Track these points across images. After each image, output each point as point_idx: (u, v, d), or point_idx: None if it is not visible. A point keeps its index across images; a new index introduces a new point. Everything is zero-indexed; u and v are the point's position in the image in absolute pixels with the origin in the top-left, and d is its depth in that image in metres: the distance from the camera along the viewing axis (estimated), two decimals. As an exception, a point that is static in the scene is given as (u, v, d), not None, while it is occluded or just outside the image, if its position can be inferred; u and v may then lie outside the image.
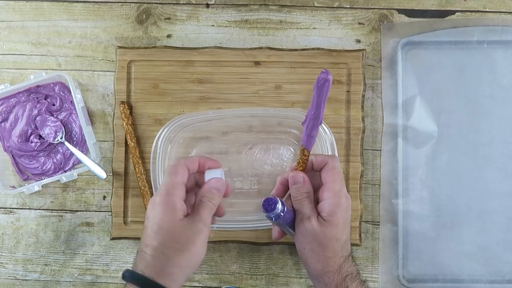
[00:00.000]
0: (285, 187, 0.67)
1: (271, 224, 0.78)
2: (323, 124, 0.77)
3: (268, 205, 0.61)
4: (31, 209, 0.84)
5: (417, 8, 0.83)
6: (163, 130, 0.78)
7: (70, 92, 0.82)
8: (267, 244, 0.81)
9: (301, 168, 0.65)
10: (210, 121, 0.80)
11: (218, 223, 0.78)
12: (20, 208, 0.84)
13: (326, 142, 0.77)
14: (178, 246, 0.59)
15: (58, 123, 0.82)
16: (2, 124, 0.83)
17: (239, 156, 0.81)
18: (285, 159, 0.81)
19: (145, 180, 0.80)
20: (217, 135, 0.81)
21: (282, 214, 0.61)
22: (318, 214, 0.63)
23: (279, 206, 0.61)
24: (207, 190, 0.63)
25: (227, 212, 0.80)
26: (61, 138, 0.82)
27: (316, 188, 0.66)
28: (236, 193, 0.81)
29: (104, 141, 0.84)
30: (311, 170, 0.66)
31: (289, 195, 0.66)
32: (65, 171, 0.83)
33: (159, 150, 0.78)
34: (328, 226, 0.62)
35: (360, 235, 0.80)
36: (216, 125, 0.81)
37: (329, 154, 0.76)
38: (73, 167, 0.84)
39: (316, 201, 0.65)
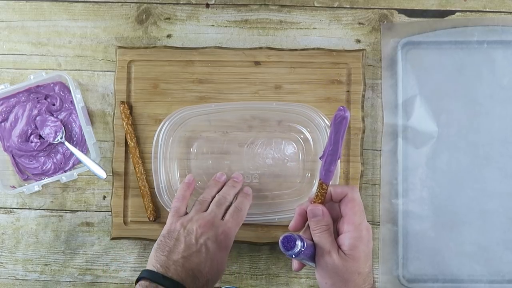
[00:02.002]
0: (304, 218, 0.65)
1: (271, 219, 0.78)
2: (326, 120, 0.78)
3: (288, 243, 0.60)
4: (31, 209, 0.84)
5: (417, 8, 0.83)
6: (164, 123, 0.79)
7: (70, 92, 0.82)
8: (267, 244, 0.81)
9: (320, 200, 0.64)
10: (210, 120, 0.80)
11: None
12: (20, 208, 0.84)
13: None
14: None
15: (58, 123, 0.82)
16: (2, 124, 0.83)
17: (241, 150, 0.81)
18: (286, 153, 0.81)
19: (145, 180, 0.80)
20: (218, 135, 0.81)
21: (302, 250, 0.60)
22: (339, 247, 0.62)
23: (299, 243, 0.59)
24: None
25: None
26: (61, 138, 0.82)
27: (336, 218, 0.65)
28: None
29: (104, 141, 0.84)
30: (330, 201, 0.65)
31: (308, 225, 0.65)
32: (65, 171, 0.83)
33: (160, 144, 0.79)
34: (350, 261, 0.61)
35: (360, 235, 0.80)
36: (217, 124, 0.81)
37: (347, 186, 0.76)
38: (73, 167, 0.84)
39: (336, 233, 0.64)
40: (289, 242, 0.59)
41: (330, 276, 0.62)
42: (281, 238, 0.60)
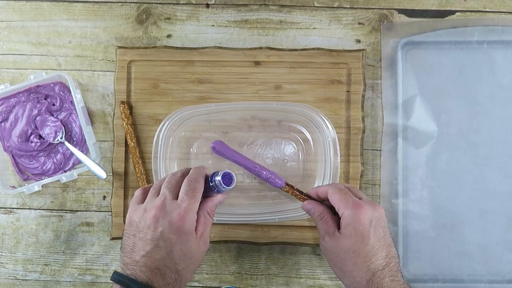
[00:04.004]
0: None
1: (271, 219, 0.79)
2: (326, 120, 0.78)
3: (229, 179, 0.65)
4: (31, 209, 0.84)
5: (417, 8, 0.83)
6: (164, 123, 0.79)
7: (70, 92, 0.82)
8: (267, 244, 0.81)
9: (302, 199, 0.72)
10: (210, 120, 0.80)
11: (219, 218, 0.79)
12: (20, 208, 0.84)
13: (328, 137, 0.78)
14: (193, 267, 0.65)
15: (58, 123, 0.82)
16: (2, 124, 0.83)
17: (241, 150, 0.80)
18: (286, 153, 0.81)
19: (145, 180, 0.80)
20: (218, 135, 0.81)
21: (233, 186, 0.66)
22: (339, 231, 0.66)
23: (235, 179, 0.66)
24: (214, 206, 0.68)
25: (227, 206, 0.80)
26: (61, 138, 0.82)
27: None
28: (237, 186, 0.81)
29: (104, 141, 0.84)
30: (321, 199, 0.70)
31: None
32: (65, 171, 0.83)
33: (160, 144, 0.79)
34: (342, 239, 0.64)
35: (360, 235, 0.80)
36: (217, 124, 0.81)
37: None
38: (73, 167, 0.84)
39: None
40: (230, 179, 0.65)
41: (330, 258, 0.67)
42: (222, 173, 0.65)
